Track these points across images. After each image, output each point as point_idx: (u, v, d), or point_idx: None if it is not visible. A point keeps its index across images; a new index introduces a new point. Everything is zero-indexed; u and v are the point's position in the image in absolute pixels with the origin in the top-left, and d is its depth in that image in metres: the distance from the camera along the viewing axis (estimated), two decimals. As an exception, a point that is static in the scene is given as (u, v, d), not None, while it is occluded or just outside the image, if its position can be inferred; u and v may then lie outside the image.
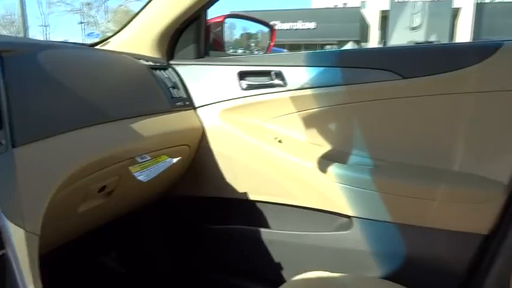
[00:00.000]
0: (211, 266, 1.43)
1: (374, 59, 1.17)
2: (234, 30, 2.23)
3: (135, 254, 1.56)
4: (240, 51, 2.42)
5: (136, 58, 1.22)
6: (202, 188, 1.36)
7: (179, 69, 1.31)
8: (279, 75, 1.22)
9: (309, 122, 1.22)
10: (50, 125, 0.79)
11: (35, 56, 0.87)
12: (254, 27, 2.10)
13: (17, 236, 0.62)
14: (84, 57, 1.06)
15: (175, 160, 1.08)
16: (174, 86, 1.24)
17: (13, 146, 0.69)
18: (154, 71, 1.22)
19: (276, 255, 1.28)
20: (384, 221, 1.09)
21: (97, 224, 1.16)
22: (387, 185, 1.09)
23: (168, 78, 1.24)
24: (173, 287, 1.49)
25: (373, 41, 24.29)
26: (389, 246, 1.11)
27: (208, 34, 1.40)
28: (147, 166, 1.02)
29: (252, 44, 2.44)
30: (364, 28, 24.76)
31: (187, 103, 1.26)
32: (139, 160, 1.02)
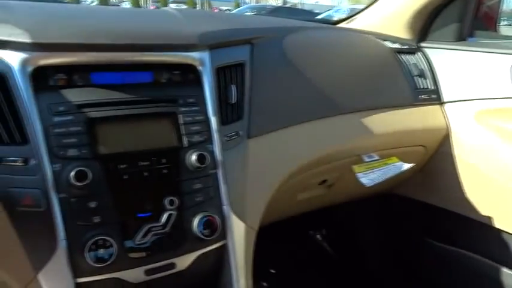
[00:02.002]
0: (421, 283, 1.25)
1: None
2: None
3: (345, 239, 1.53)
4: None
5: (381, 39, 1.08)
6: (431, 195, 1.16)
7: (431, 53, 1.10)
8: None
9: None
10: (285, 116, 0.78)
11: (281, 41, 0.86)
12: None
13: (238, 229, 0.65)
14: (327, 40, 1.00)
15: (406, 166, 0.93)
16: (421, 75, 1.05)
17: (248, 137, 0.70)
18: (399, 55, 1.06)
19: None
20: None
21: (313, 209, 1.16)
22: None
23: (415, 64, 1.06)
24: (376, 281, 1.40)
25: None
26: None
27: (478, 9, 1.11)
28: (373, 167, 0.92)
29: (536, 14, 1.87)
30: None
31: (433, 96, 1.05)
32: (366, 159, 0.92)
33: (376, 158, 0.93)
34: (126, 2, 21.68)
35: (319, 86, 0.87)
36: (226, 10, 17.77)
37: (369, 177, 0.88)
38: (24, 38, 0.55)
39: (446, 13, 1.09)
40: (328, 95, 0.87)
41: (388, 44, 1.07)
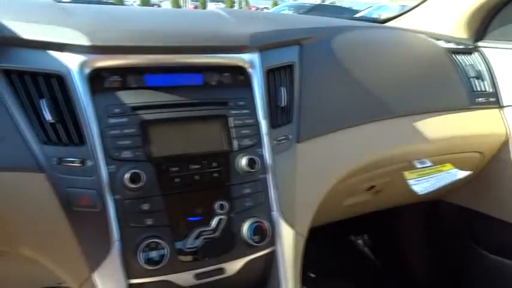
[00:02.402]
0: None
1: None
2: None
3: (387, 245, 1.48)
4: None
5: (434, 38, 1.03)
6: (484, 204, 1.10)
7: (489, 54, 1.03)
8: None
9: None
10: (334, 119, 0.76)
11: (329, 42, 0.84)
12: None
13: (287, 236, 0.63)
14: (377, 40, 0.96)
15: (461, 174, 0.88)
16: (478, 76, 0.99)
17: (297, 141, 0.69)
18: (454, 55, 1.00)
19: None
20: None
21: (358, 214, 1.12)
22: None
23: (472, 65, 1.00)
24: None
25: None
26: None
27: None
28: (426, 174, 0.87)
29: None
30: None
31: (491, 100, 0.99)
32: (418, 165, 0.88)
33: (429, 164, 0.88)
34: (167, 2, 22.18)
35: (370, 88, 0.83)
36: (263, 8, 17.76)
37: (422, 185, 0.84)
38: (83, 41, 0.56)
39: (507, 10, 1.02)
40: (379, 98, 0.84)
41: (442, 44, 1.02)
